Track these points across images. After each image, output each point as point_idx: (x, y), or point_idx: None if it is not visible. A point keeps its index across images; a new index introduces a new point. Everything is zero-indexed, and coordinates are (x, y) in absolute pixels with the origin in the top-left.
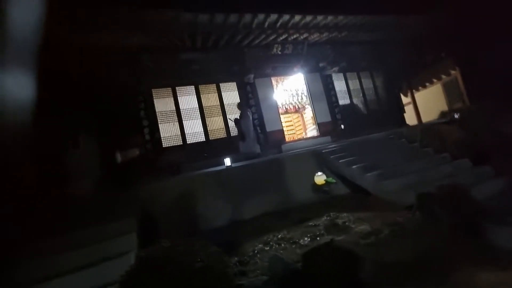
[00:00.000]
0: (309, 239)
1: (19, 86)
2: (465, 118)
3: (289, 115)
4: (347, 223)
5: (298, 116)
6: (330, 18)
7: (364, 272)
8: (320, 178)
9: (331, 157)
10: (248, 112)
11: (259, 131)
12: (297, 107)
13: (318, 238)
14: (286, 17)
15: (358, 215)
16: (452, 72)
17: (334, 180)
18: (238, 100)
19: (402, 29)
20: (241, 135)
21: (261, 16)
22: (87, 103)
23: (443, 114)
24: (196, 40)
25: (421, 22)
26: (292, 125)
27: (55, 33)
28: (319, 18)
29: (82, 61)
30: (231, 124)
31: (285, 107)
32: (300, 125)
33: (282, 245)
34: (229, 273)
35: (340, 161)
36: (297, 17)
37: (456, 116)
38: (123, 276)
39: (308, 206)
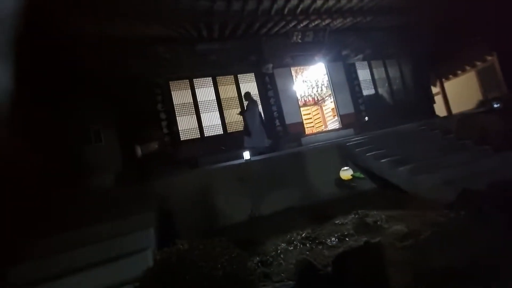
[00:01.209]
0: (337, 240)
1: (37, 80)
2: (508, 107)
3: (308, 107)
4: (378, 223)
5: (317, 109)
6: (355, 1)
7: (404, 280)
8: (346, 172)
9: (357, 150)
10: (255, 104)
11: (278, 123)
12: (316, 99)
13: (347, 239)
14: (307, 1)
15: (390, 214)
16: (488, 58)
17: (362, 175)
18: (257, 91)
19: (434, 10)
20: (246, 128)
21: (280, 2)
22: (105, 96)
23: (481, 103)
24: (213, 30)
25: (455, 2)
26: (310, 118)
27: (72, 24)
28: (343, 1)
29: (99, 53)
30: None
31: (303, 99)
32: (319, 118)
33: (307, 245)
34: (254, 282)
35: (367, 154)
36: (319, 2)
37: (496, 105)
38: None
39: (332, 202)
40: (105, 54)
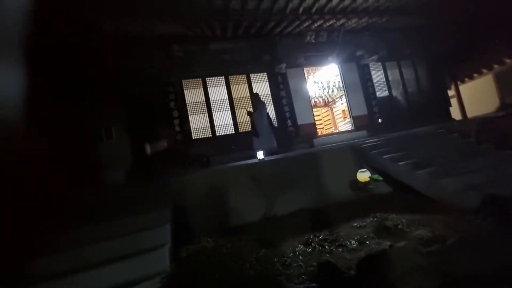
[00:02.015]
0: (357, 242)
1: (51, 77)
2: None
3: (318, 109)
4: (399, 226)
5: (327, 111)
6: (371, 1)
7: (431, 286)
8: (364, 174)
9: (372, 152)
10: (264, 105)
11: (290, 124)
12: (326, 100)
13: (367, 242)
14: (323, 1)
15: (411, 218)
16: (507, 61)
17: (380, 178)
18: (269, 91)
19: (451, 11)
20: (255, 129)
21: (296, 1)
22: (118, 93)
23: (501, 107)
24: (227, 28)
25: (473, 3)
26: (320, 120)
27: (88, 20)
28: (359, 1)
29: (114, 50)
30: None
31: (313, 100)
32: (329, 119)
33: (326, 247)
34: (283, 283)
35: (383, 156)
36: (334, 1)
37: None
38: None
39: (347, 204)
40: (119, 51)
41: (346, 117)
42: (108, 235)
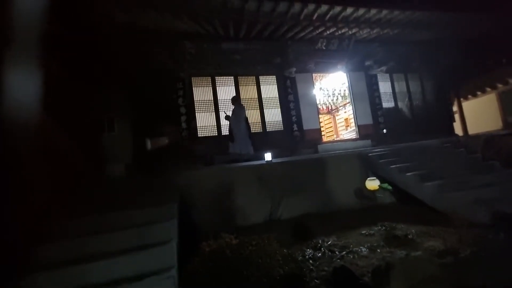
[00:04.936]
0: (367, 250)
1: (56, 68)
2: None
3: (320, 116)
4: (410, 236)
5: (329, 118)
6: (384, 12)
7: None
8: (373, 183)
9: (380, 161)
10: (242, 109)
11: (296, 128)
12: (330, 108)
13: (378, 250)
14: (337, 9)
15: (420, 229)
16: (511, 81)
17: (390, 186)
18: (277, 94)
19: (462, 28)
20: (230, 134)
21: (311, 7)
22: (127, 86)
23: (505, 126)
24: (241, 29)
25: (484, 21)
26: (322, 126)
27: (99, 11)
28: (373, 11)
29: (126, 43)
30: (268, 119)
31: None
32: (331, 127)
33: (336, 252)
34: (310, 284)
35: (391, 166)
36: (349, 10)
37: None
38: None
39: (353, 211)
40: (131, 44)
41: (348, 125)
42: (115, 226)
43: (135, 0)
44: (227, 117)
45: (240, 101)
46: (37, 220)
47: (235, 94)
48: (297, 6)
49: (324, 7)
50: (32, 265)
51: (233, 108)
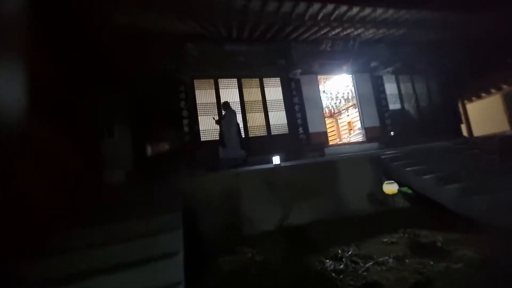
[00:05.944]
0: (394, 260)
1: (57, 69)
2: None
3: None
4: (438, 244)
5: (332, 121)
6: (390, 12)
7: None
8: (391, 186)
9: (394, 164)
10: (233, 114)
11: (301, 131)
12: (332, 111)
13: (406, 260)
14: (343, 8)
15: (446, 236)
16: None
17: (409, 190)
18: (281, 97)
19: (469, 29)
20: (221, 138)
21: (316, 6)
22: (127, 89)
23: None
24: (244, 30)
25: (490, 21)
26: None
27: (100, 11)
28: (379, 11)
29: (127, 44)
30: (273, 122)
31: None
32: (334, 131)
33: (360, 264)
34: None
35: (406, 169)
36: (355, 9)
37: None
38: None
39: (367, 217)
40: (133, 46)
41: (351, 129)
42: (116, 238)
43: (136, 2)
44: (217, 122)
45: (230, 105)
46: (35, 233)
47: (238, 97)
48: (302, 6)
49: (329, 7)
50: (29, 281)
51: (224, 113)
